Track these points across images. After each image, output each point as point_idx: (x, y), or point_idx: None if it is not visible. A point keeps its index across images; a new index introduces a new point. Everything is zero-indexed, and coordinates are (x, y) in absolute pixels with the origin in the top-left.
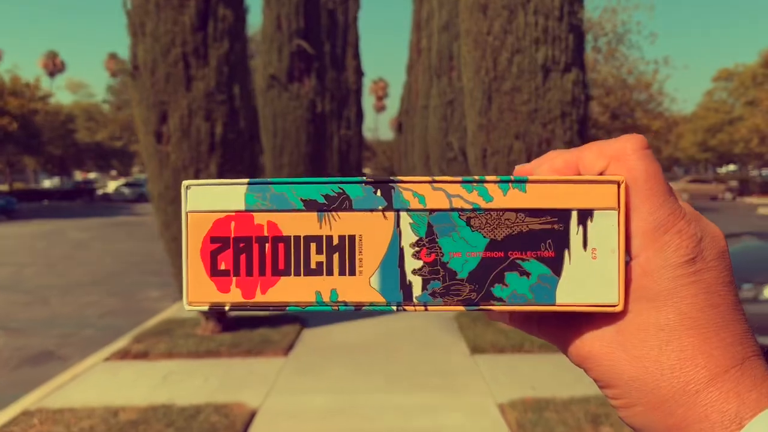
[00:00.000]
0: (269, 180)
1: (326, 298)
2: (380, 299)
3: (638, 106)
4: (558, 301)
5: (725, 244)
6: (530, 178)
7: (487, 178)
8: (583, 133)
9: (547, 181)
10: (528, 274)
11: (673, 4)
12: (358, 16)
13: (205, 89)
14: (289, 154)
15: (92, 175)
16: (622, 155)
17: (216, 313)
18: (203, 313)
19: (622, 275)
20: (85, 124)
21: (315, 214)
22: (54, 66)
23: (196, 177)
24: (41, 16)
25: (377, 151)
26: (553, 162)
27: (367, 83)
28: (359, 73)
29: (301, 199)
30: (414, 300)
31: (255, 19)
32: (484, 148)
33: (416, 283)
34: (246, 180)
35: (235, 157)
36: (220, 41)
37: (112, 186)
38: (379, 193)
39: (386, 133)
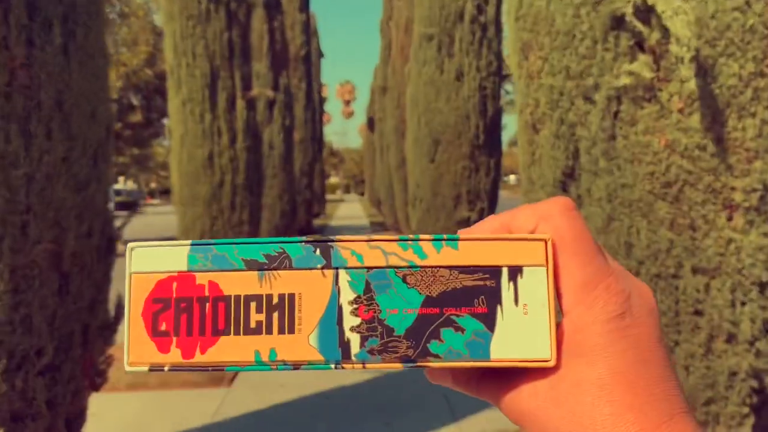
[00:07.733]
0: (212, 241)
1: (265, 358)
2: (319, 357)
3: None
4: (492, 356)
5: (655, 302)
6: (462, 236)
7: (422, 237)
8: None
9: (478, 239)
10: (463, 330)
11: None
12: None
13: None
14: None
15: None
16: (549, 215)
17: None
18: None
19: (553, 330)
20: None
21: (256, 273)
22: None
23: None
24: None
25: (345, 158)
26: (491, 223)
27: (333, 86)
28: (309, 34)
29: (242, 259)
30: (352, 357)
31: None
32: None
33: (354, 340)
34: (188, 242)
35: None
36: None
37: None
38: (318, 252)
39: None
